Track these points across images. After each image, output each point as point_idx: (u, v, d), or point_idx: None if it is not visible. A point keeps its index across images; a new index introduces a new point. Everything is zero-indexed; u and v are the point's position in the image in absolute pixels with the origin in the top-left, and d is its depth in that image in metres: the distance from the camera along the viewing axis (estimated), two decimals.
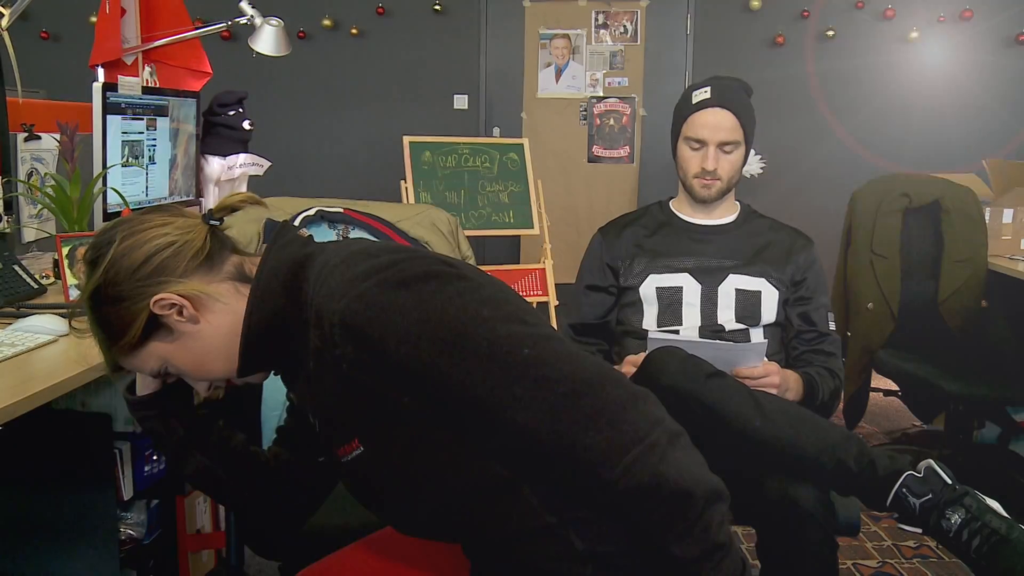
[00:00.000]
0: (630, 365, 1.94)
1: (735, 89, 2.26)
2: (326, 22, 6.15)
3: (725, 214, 2.25)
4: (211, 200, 3.56)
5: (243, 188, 3.81)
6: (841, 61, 6.13)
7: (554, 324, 4.65)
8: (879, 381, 3.56)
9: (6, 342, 1.72)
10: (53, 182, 2.53)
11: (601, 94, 6.24)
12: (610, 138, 6.30)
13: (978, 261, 3.31)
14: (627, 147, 6.32)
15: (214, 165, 3.56)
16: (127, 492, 2.18)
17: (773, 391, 1.94)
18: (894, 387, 3.70)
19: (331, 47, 6.04)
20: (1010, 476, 3.29)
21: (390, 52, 6.23)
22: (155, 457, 2.27)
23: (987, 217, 3.41)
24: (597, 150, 6.30)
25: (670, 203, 2.32)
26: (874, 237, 3.25)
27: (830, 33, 6.06)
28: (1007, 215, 3.49)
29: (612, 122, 6.27)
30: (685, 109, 2.24)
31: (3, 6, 2.22)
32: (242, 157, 3.68)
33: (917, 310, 3.33)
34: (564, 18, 6.23)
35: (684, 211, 2.27)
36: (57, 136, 2.71)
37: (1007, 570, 1.55)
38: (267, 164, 3.76)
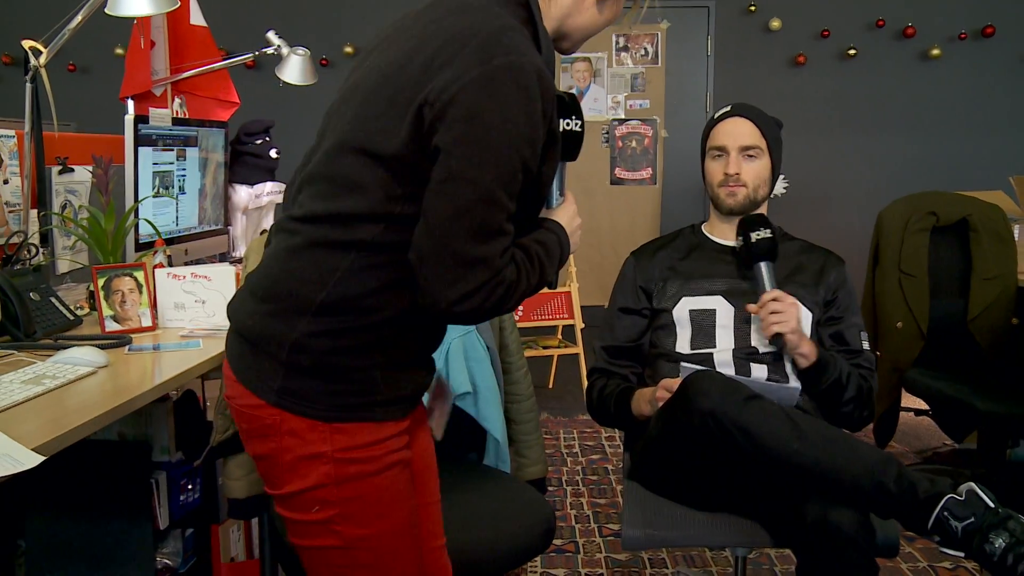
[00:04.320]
0: (664, 391, 1.94)
1: (756, 108, 2.27)
2: (348, 49, 6.23)
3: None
4: (239, 229, 3.60)
5: (270, 216, 3.84)
6: (863, 79, 6.15)
7: (580, 348, 4.66)
8: (909, 400, 3.53)
9: (47, 374, 1.73)
10: (87, 214, 2.57)
11: (623, 116, 6.28)
12: (632, 160, 6.32)
13: (1008, 278, 3.29)
14: (649, 169, 6.34)
15: (242, 194, 3.59)
16: (163, 521, 2.18)
17: (780, 324, 1.99)
18: (924, 406, 3.67)
19: None
20: None
21: None
22: (190, 486, 2.28)
23: (1016, 234, 3.40)
24: (619, 172, 6.33)
25: (702, 226, 2.32)
26: (902, 256, 3.24)
27: (851, 52, 6.09)
28: None
29: (634, 144, 6.29)
30: (708, 127, 2.28)
31: (41, 44, 2.25)
32: (269, 185, 3.71)
33: (946, 329, 3.31)
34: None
35: (716, 233, 2.28)
36: (90, 168, 2.75)
37: None
38: None
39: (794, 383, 2.04)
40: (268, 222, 3.82)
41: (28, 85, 2.30)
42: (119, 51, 6.09)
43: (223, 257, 3.46)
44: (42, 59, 2.27)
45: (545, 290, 1.44)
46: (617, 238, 6.17)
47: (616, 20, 1.50)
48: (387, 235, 1.28)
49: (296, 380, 1.31)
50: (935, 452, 3.80)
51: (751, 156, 2.17)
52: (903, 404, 3.52)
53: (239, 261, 3.54)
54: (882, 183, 6.17)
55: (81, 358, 1.85)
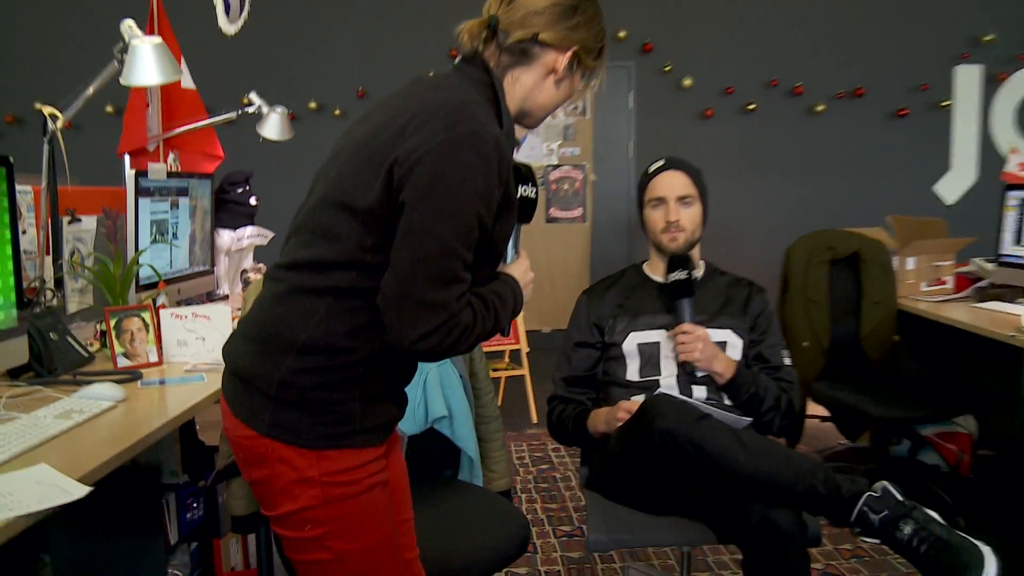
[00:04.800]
0: (624, 412, 1.99)
1: (685, 161, 2.34)
2: (312, 104, 6.21)
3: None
4: (222, 269, 3.56)
5: (250, 258, 3.81)
6: (761, 130, 6.34)
7: (525, 369, 4.69)
8: (813, 408, 3.64)
9: (75, 409, 1.71)
10: (92, 260, 2.54)
11: (556, 162, 6.36)
12: (565, 201, 6.40)
13: (890, 303, 3.42)
14: (580, 208, 6.43)
15: (224, 237, 3.56)
16: (173, 537, 2.17)
17: (698, 351, 2.07)
18: (826, 413, 3.79)
19: (317, 127, 6.04)
20: (919, 481, 3.40)
21: None
22: (195, 505, 2.26)
23: (895, 264, 3.54)
24: (554, 211, 6.40)
25: (643, 266, 2.38)
26: (806, 285, 3.35)
27: (751, 107, 6.26)
28: (910, 262, 3.61)
29: (566, 187, 6.38)
30: (644, 180, 2.33)
31: (59, 110, 2.23)
32: (249, 229, 3.69)
33: (843, 346, 3.42)
34: None
35: (656, 272, 2.33)
36: (95, 217, 2.71)
37: (949, 568, 1.65)
38: (271, 235, 3.78)
39: (745, 419, 2.08)
40: (248, 263, 3.79)
41: (45, 146, 2.27)
42: (108, 109, 5.99)
43: (210, 295, 3.42)
44: (59, 123, 2.23)
45: (498, 336, 1.47)
46: (553, 270, 6.23)
47: (573, 96, 1.52)
48: (359, 281, 1.30)
49: (284, 413, 1.33)
50: (834, 451, 3.92)
51: (687, 203, 2.24)
52: (808, 412, 3.63)
53: (224, 298, 3.51)
54: (779, 219, 6.35)
55: (102, 393, 1.83)
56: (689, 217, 2.24)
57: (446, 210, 1.25)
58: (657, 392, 1.86)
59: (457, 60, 1.46)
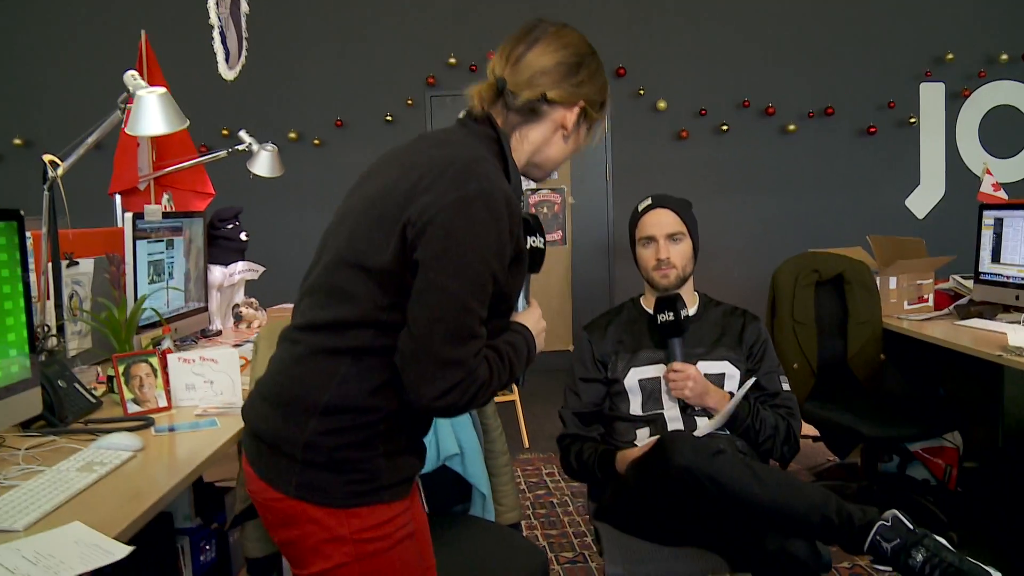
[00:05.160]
0: (634, 453, 2.03)
1: (672, 197, 2.38)
2: (291, 135, 6.21)
3: (688, 305, 2.34)
4: (214, 304, 3.56)
5: (241, 292, 3.81)
6: (735, 150, 6.44)
7: (516, 395, 4.69)
8: (804, 428, 3.69)
9: (96, 461, 1.71)
10: (91, 302, 2.54)
11: (535, 186, 6.40)
12: (545, 224, 6.42)
13: (875, 322, 3.49)
14: (560, 231, 6.47)
15: (216, 273, 3.57)
16: None
17: (688, 389, 2.13)
18: (816, 433, 3.85)
19: (298, 157, 6.03)
20: (908, 496, 3.47)
21: (349, 158, 6.30)
22: (207, 547, 2.26)
23: (877, 284, 3.62)
24: None
25: (640, 300, 2.42)
26: (794, 308, 3.41)
27: (724, 127, 6.37)
28: (892, 282, 3.70)
29: (546, 210, 6.42)
30: (634, 219, 2.37)
31: (58, 158, 2.23)
32: (240, 265, 3.69)
33: (832, 366, 3.48)
34: None
35: (651, 307, 2.36)
36: (91, 260, 2.71)
37: None
38: (261, 269, 3.78)
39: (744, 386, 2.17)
40: (240, 297, 3.79)
41: (46, 193, 2.26)
42: (89, 141, 5.93)
43: (204, 332, 3.42)
44: (60, 171, 2.23)
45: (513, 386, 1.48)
46: (535, 292, 6.24)
47: (581, 147, 1.55)
48: (377, 340, 1.31)
49: (312, 474, 1.33)
50: (824, 468, 3.99)
51: (676, 240, 2.29)
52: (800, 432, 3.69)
53: (218, 333, 3.51)
54: (755, 236, 6.45)
55: (120, 443, 1.83)
56: (679, 253, 2.28)
57: (460, 268, 1.26)
58: (672, 430, 1.90)
59: (461, 115, 1.47)
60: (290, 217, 6.24)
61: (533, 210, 6.39)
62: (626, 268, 6.39)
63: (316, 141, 6.25)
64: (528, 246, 1.47)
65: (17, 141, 6.15)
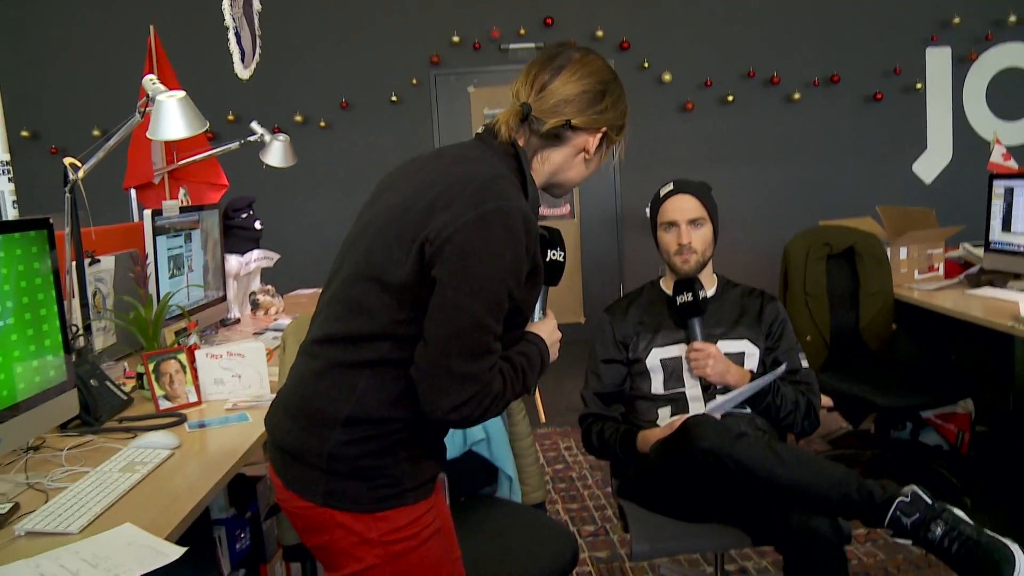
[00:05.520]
0: (668, 428, 2.08)
1: (693, 182, 2.40)
2: (297, 118, 6.22)
3: (707, 287, 2.38)
4: (231, 293, 3.60)
5: (257, 280, 3.85)
6: (740, 120, 6.42)
7: None
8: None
9: (136, 460, 1.76)
10: (113, 298, 2.58)
11: None
12: (553, 199, 6.46)
13: (887, 293, 3.53)
14: (568, 205, 6.51)
15: (232, 262, 3.60)
16: (226, 568, 2.22)
17: (709, 367, 2.19)
18: (830, 403, 3.89)
19: (304, 140, 6.00)
20: (921, 462, 3.52)
21: (355, 140, 6.32)
22: (242, 535, 2.32)
23: (888, 255, 3.65)
24: (543, 209, 6.47)
25: (660, 282, 2.46)
26: (806, 281, 3.44)
27: (730, 98, 6.35)
28: (903, 252, 3.73)
29: None
30: (656, 204, 2.39)
31: (79, 161, 2.26)
32: (255, 253, 3.73)
33: (844, 338, 3.52)
34: (504, 98, 6.29)
35: (672, 289, 2.40)
36: (112, 256, 2.75)
37: (982, 565, 1.74)
38: (276, 257, 3.82)
39: (778, 371, 2.22)
40: (256, 285, 3.84)
41: (67, 195, 2.30)
42: (96, 132, 5.97)
43: (223, 321, 3.46)
44: (80, 173, 2.26)
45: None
46: (552, 303, 6.28)
47: (600, 167, 1.57)
48: (394, 353, 1.34)
49: (338, 483, 1.36)
50: (838, 436, 4.04)
51: (697, 225, 2.31)
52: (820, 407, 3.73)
53: (236, 321, 3.56)
54: (762, 206, 6.46)
55: (158, 442, 1.88)
56: (700, 238, 2.31)
57: (476, 287, 1.28)
58: (696, 414, 1.95)
59: (481, 129, 1.50)
60: (300, 202, 6.27)
61: None
62: (635, 240, 6.43)
63: (322, 123, 6.26)
64: (547, 259, 1.52)
65: (24, 133, 6.17)
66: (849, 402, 3.53)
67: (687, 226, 2.30)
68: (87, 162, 2.28)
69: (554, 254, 1.53)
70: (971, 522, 1.80)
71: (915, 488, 1.82)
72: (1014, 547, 1.72)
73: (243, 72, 3.17)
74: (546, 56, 1.48)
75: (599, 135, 1.48)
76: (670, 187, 2.37)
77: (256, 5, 3.25)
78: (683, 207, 2.32)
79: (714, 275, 2.43)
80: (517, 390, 1.40)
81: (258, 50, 3.33)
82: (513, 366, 1.39)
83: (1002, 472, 3.42)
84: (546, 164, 1.48)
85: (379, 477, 1.37)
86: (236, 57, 3.05)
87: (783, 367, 2.20)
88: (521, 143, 1.46)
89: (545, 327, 1.53)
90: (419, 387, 1.31)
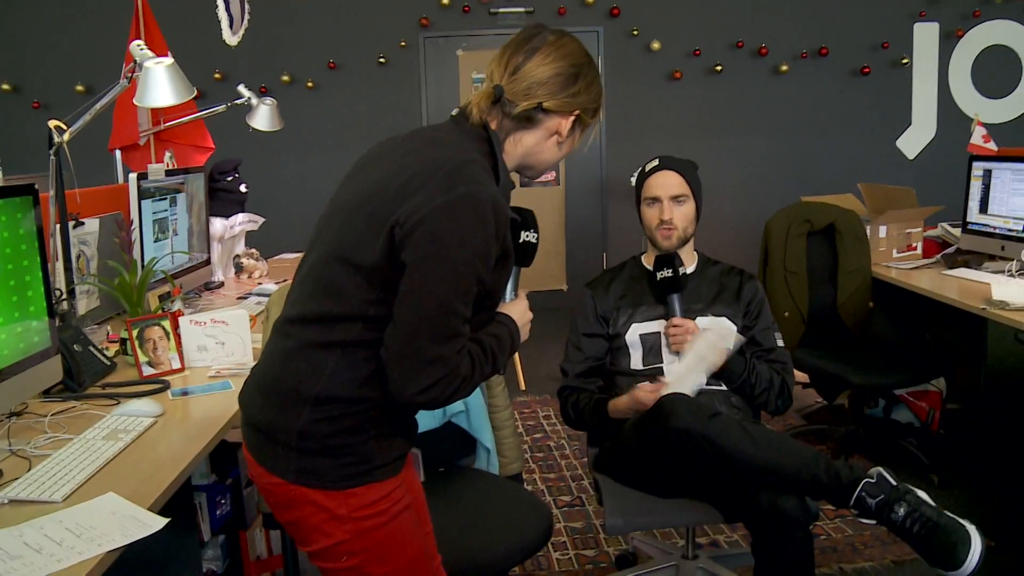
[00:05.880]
0: (645, 394, 2.11)
1: (678, 159, 2.42)
2: (284, 78, 6.16)
3: (687, 264, 2.41)
4: (216, 256, 3.60)
5: (242, 243, 3.85)
6: (728, 91, 6.43)
7: None
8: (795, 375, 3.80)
9: (120, 428, 1.78)
10: (97, 262, 2.57)
11: None
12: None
13: (865, 271, 3.56)
14: (553, 172, 6.50)
15: (217, 225, 3.60)
16: (206, 534, 2.25)
17: (676, 344, 2.24)
18: (806, 379, 3.95)
19: (292, 100, 5.98)
20: (893, 440, 3.59)
21: (342, 101, 6.27)
22: (223, 502, 2.35)
23: (868, 232, 3.68)
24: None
25: (642, 258, 2.48)
26: (786, 257, 3.48)
27: (718, 68, 6.34)
28: (882, 231, 3.76)
29: None
30: (640, 179, 2.41)
31: (64, 123, 2.24)
32: (240, 216, 3.72)
33: (822, 314, 3.56)
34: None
35: (653, 264, 2.43)
36: (96, 219, 2.74)
37: (940, 545, 1.81)
38: (261, 220, 3.81)
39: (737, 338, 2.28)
40: (240, 248, 3.83)
41: (52, 158, 2.29)
42: (79, 88, 5.89)
43: (207, 285, 3.47)
44: (65, 136, 2.25)
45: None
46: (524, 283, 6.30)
47: (574, 150, 1.58)
48: (365, 334, 1.35)
49: (307, 460, 1.39)
50: (813, 411, 4.11)
51: (680, 202, 2.34)
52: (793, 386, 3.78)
53: (220, 285, 3.56)
54: (747, 176, 6.49)
55: (141, 410, 1.89)
56: (682, 215, 2.33)
57: (445, 271, 1.30)
58: (671, 392, 1.98)
59: (455, 112, 1.50)
60: (287, 163, 6.22)
61: None
62: (619, 208, 6.44)
63: (309, 84, 6.20)
64: (520, 240, 1.53)
65: (6, 86, 6.08)
66: (824, 379, 3.59)
67: (670, 202, 2.32)
68: (72, 125, 2.27)
69: (526, 235, 1.55)
70: (933, 504, 1.85)
71: (880, 470, 1.87)
72: (971, 529, 1.78)
73: (231, 39, 3.14)
74: (521, 38, 1.48)
75: (572, 118, 1.48)
76: (655, 163, 2.39)
77: None
78: (667, 183, 2.33)
79: (695, 252, 2.45)
80: (486, 371, 1.42)
81: (247, 16, 3.30)
82: (483, 347, 1.41)
83: (971, 451, 3.50)
84: (519, 146, 1.48)
85: (348, 455, 1.39)
86: (224, 24, 3.02)
87: (743, 339, 2.24)
88: (494, 125, 1.46)
89: (516, 308, 1.55)
90: (388, 369, 1.33)
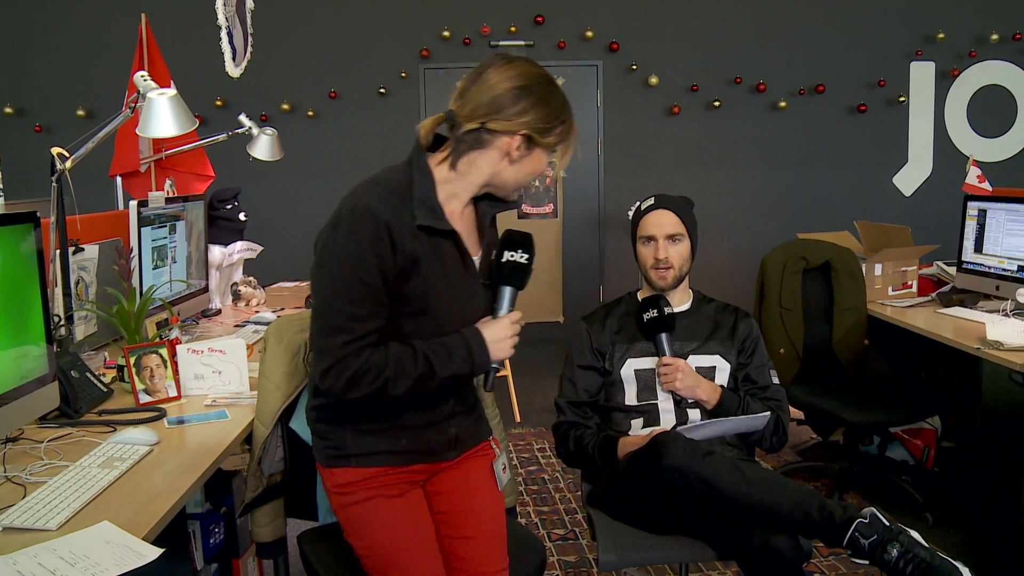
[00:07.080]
0: (635, 441, 2.12)
1: (674, 198, 2.44)
2: (285, 106, 6.21)
3: (682, 302, 2.43)
4: (213, 283, 3.62)
5: (239, 271, 3.87)
6: (726, 126, 6.49)
7: (507, 370, 4.79)
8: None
9: (115, 456, 1.78)
10: (96, 288, 2.59)
11: None
12: (536, 197, 6.51)
13: (860, 308, 3.59)
14: (551, 204, 6.54)
15: (215, 253, 3.62)
16: (199, 562, 2.25)
17: (678, 381, 2.25)
18: (801, 416, 3.96)
19: (291, 129, 6.00)
20: (887, 477, 3.59)
21: (343, 131, 6.32)
22: (216, 530, 2.35)
23: (863, 270, 3.72)
24: (526, 207, 6.51)
25: (638, 294, 2.50)
26: (782, 294, 3.50)
27: (716, 103, 6.40)
28: (878, 268, 3.79)
29: (537, 183, 6.48)
30: (636, 217, 2.44)
31: (66, 151, 2.27)
32: (239, 244, 3.75)
33: (817, 351, 3.58)
34: None
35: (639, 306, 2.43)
36: (96, 245, 2.76)
37: None
38: (259, 248, 3.83)
39: (763, 414, 2.25)
40: (238, 276, 3.85)
41: (54, 185, 2.31)
42: (80, 112, 5.94)
43: (204, 312, 3.48)
44: (68, 164, 2.27)
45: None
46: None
47: (542, 168, 1.64)
48: None
49: (314, 438, 1.76)
50: (807, 448, 4.11)
51: (675, 241, 2.36)
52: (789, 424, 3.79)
53: (217, 312, 3.58)
54: (744, 211, 6.54)
55: (137, 438, 1.89)
56: (677, 253, 2.36)
57: (328, 276, 1.54)
58: (666, 430, 2.00)
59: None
60: (285, 191, 6.26)
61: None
62: (616, 240, 6.48)
63: (310, 113, 6.26)
64: (504, 259, 1.63)
65: (8, 110, 6.13)
66: (819, 416, 3.59)
67: (665, 241, 2.35)
68: (74, 152, 2.29)
69: (511, 255, 1.63)
70: (927, 545, 1.86)
71: (874, 510, 1.88)
72: (965, 571, 1.78)
73: (234, 71, 3.19)
74: (479, 66, 1.58)
75: (519, 137, 1.54)
76: (651, 201, 2.41)
77: (249, 3, 3.26)
78: (662, 222, 2.36)
79: (689, 290, 2.47)
80: (411, 373, 1.56)
81: (250, 48, 3.34)
82: (414, 350, 1.57)
83: (965, 489, 3.51)
84: (472, 167, 1.58)
85: (327, 439, 1.71)
86: (228, 56, 3.06)
87: (767, 414, 2.23)
88: (449, 150, 1.58)
89: (493, 324, 1.65)
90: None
